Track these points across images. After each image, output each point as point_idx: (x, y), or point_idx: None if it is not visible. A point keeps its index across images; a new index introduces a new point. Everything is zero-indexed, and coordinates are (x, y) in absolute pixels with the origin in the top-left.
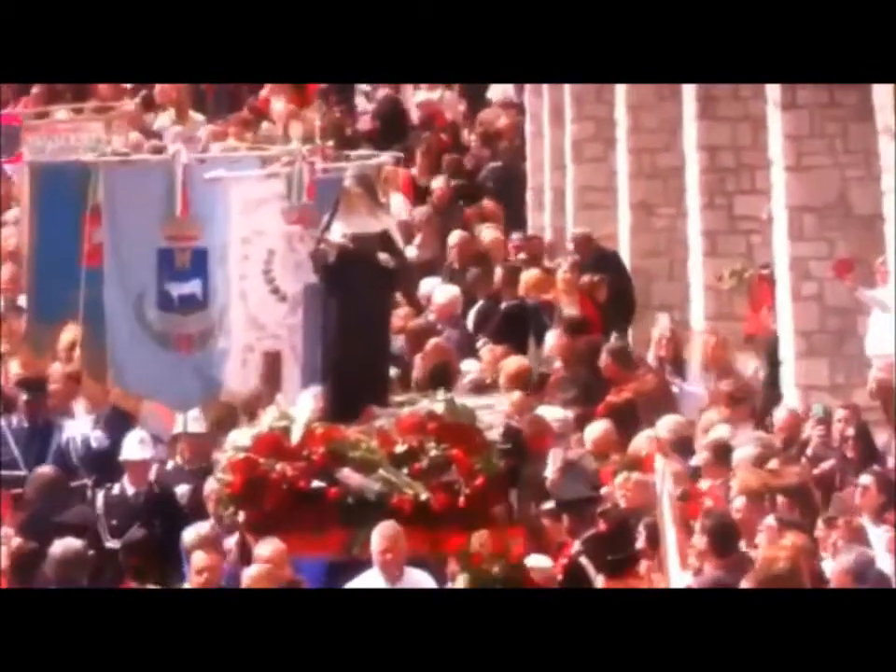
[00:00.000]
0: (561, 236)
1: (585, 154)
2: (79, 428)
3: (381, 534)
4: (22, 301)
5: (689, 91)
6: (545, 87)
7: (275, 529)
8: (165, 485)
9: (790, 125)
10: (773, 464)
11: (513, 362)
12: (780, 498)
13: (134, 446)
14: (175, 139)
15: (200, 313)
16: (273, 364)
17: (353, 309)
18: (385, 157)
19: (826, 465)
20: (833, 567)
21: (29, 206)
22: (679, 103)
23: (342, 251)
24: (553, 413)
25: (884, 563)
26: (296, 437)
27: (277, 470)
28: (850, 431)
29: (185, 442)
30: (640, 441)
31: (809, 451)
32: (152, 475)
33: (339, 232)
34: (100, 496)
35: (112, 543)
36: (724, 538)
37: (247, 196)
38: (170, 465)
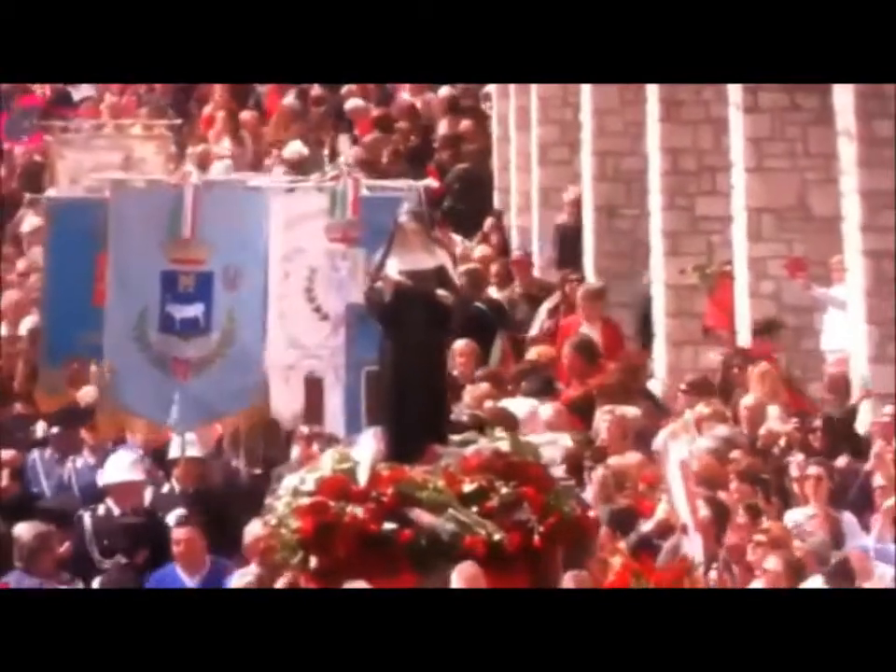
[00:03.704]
0: (527, 236)
1: (550, 157)
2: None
3: (461, 574)
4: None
5: (652, 95)
6: (512, 91)
7: (346, 574)
8: (152, 513)
9: (751, 128)
10: (735, 454)
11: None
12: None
13: (115, 469)
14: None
15: (200, 338)
16: (315, 390)
17: (410, 346)
18: (427, 182)
19: (795, 458)
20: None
21: (45, 245)
22: (642, 106)
23: (398, 288)
24: (519, 405)
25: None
26: (363, 479)
27: (349, 513)
28: (817, 423)
29: (182, 467)
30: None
31: (783, 442)
32: (147, 500)
33: (394, 269)
34: (86, 518)
35: (106, 565)
36: (722, 521)
37: (289, 211)
38: (165, 488)
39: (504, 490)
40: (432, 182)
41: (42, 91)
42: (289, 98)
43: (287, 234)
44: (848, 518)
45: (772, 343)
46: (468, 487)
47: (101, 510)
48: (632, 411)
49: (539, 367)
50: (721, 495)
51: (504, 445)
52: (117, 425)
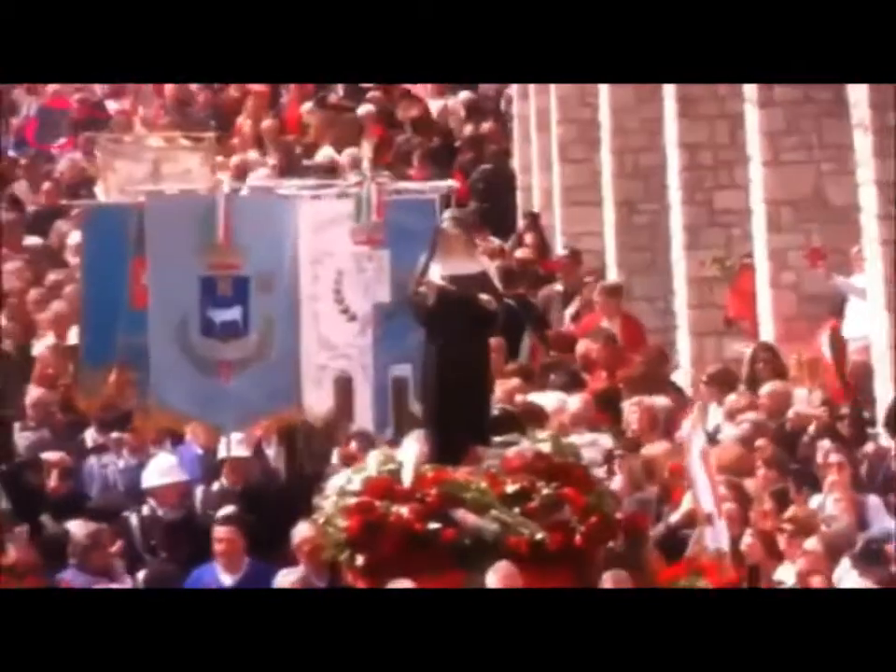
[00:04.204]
0: (549, 234)
1: (570, 155)
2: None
3: (497, 573)
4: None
5: (669, 92)
6: (532, 92)
7: (392, 572)
8: (193, 510)
9: (766, 122)
10: (760, 442)
11: None
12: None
13: (155, 473)
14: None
15: (239, 340)
16: (344, 389)
17: (453, 350)
18: (449, 183)
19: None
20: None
21: (81, 251)
22: (659, 104)
23: (442, 293)
24: (547, 399)
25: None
26: (408, 479)
27: (394, 513)
28: (845, 409)
29: (228, 467)
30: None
31: (812, 429)
32: (197, 499)
33: (437, 275)
34: (133, 518)
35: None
36: (744, 507)
37: (317, 216)
38: (215, 486)
39: (546, 491)
40: (454, 183)
41: (75, 100)
42: (307, 105)
43: (316, 238)
44: (874, 502)
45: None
46: (510, 488)
47: (145, 510)
48: (660, 400)
49: (564, 361)
50: (748, 482)
51: (545, 447)
52: (160, 426)
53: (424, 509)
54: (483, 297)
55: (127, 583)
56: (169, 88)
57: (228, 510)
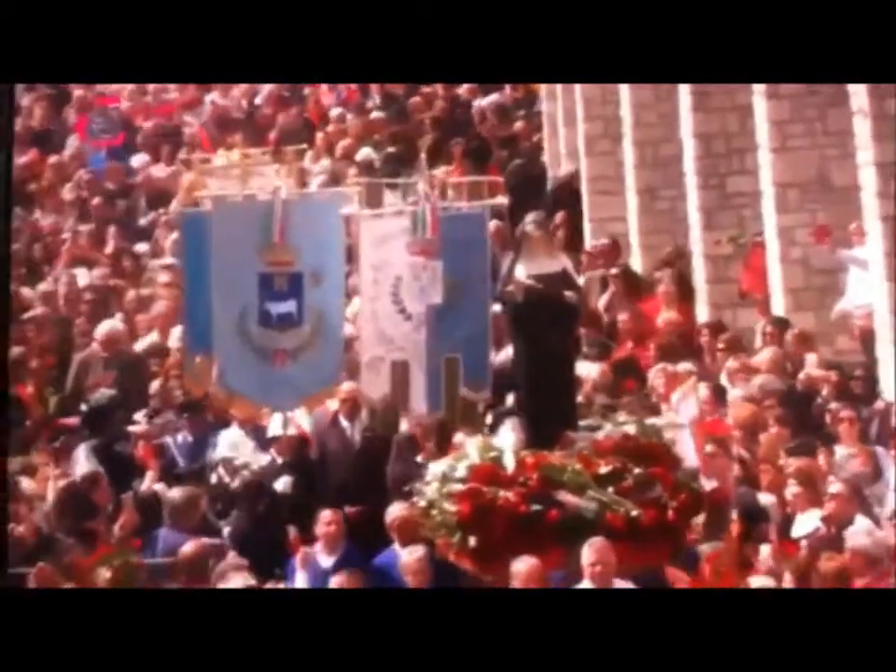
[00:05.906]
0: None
1: (596, 149)
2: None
3: (592, 548)
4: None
5: (684, 87)
6: (559, 92)
7: (501, 552)
8: (259, 475)
9: (773, 112)
10: (769, 402)
11: None
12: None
13: (225, 447)
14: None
15: (294, 329)
16: (402, 372)
17: (542, 343)
18: (499, 199)
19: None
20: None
21: (180, 253)
22: (675, 99)
23: (529, 291)
24: (587, 369)
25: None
26: (510, 465)
27: (501, 497)
28: (859, 371)
29: (282, 443)
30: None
31: (825, 391)
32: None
33: (523, 274)
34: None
35: (221, 524)
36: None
37: (378, 231)
38: (265, 460)
39: (637, 470)
40: (504, 201)
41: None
42: (336, 111)
43: (377, 249)
44: (882, 452)
45: None
46: (603, 469)
47: (213, 479)
48: (683, 366)
49: (594, 334)
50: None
51: (630, 429)
52: (226, 408)
53: (527, 492)
54: (567, 293)
55: (215, 540)
56: (209, 108)
57: (286, 481)
